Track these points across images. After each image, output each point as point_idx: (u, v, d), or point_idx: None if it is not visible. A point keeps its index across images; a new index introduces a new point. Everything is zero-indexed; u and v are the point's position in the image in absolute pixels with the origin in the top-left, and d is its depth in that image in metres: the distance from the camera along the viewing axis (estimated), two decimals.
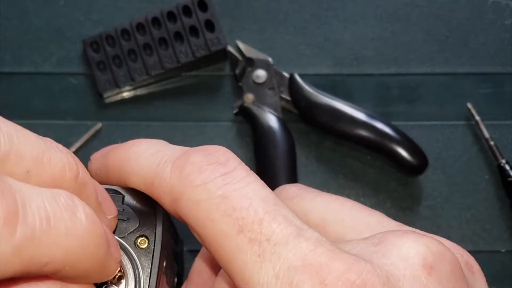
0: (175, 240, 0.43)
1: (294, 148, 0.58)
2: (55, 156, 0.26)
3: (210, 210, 0.28)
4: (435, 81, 0.61)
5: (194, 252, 0.43)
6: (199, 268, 0.39)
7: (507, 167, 0.56)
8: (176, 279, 0.42)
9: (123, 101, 0.61)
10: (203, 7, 0.61)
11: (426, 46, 0.62)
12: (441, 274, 0.28)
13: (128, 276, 0.30)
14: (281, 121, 0.58)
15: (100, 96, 0.60)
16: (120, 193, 0.32)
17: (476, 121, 0.58)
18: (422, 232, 0.30)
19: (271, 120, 0.58)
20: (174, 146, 0.31)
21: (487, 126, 0.58)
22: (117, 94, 0.60)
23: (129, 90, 0.61)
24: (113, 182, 0.33)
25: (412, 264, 0.28)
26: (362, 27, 0.62)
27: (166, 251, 0.34)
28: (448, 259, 0.29)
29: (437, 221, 0.56)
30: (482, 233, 0.56)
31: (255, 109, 0.58)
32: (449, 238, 0.55)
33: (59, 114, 0.60)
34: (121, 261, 0.29)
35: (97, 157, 0.34)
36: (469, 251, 0.33)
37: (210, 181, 0.28)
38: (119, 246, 0.28)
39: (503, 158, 0.57)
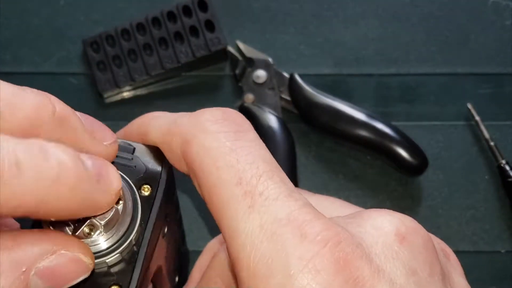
0: (182, 241, 0.43)
1: (294, 148, 0.57)
2: (28, 96, 0.26)
3: (216, 157, 0.29)
4: (435, 81, 0.61)
5: (195, 253, 0.43)
6: (200, 267, 0.40)
7: (507, 167, 0.56)
8: (177, 278, 0.42)
9: (123, 101, 0.61)
10: (203, 7, 0.61)
11: (426, 46, 0.62)
12: (413, 245, 0.29)
13: (127, 202, 0.31)
14: (281, 121, 0.58)
15: (100, 96, 0.60)
16: (131, 145, 0.33)
17: (476, 121, 0.58)
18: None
19: (271, 120, 0.58)
20: None
21: (487, 127, 0.58)
22: (117, 94, 0.60)
23: (129, 90, 0.61)
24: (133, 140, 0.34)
25: (385, 233, 0.29)
26: (362, 27, 0.62)
27: (168, 215, 0.34)
28: (421, 234, 0.30)
29: (437, 221, 0.56)
30: (482, 233, 0.56)
31: (255, 109, 0.58)
32: (449, 238, 0.55)
33: None
34: (121, 191, 0.29)
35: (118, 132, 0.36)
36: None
37: (222, 132, 0.30)
38: (117, 177, 0.29)
39: (503, 158, 0.57)
